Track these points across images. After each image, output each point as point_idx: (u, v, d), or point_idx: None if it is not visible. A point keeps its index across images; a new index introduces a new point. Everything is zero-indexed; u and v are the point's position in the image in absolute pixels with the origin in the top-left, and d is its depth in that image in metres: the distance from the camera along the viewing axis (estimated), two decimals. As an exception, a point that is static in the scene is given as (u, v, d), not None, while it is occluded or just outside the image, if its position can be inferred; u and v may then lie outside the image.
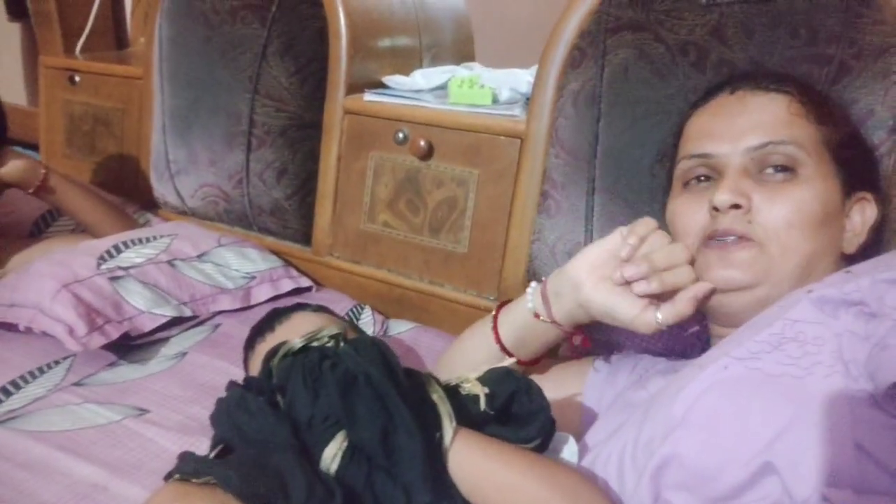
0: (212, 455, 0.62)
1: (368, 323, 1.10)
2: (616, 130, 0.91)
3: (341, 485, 0.55)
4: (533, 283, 0.75)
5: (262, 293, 1.14)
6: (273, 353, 0.67)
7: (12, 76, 2.14)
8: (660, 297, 0.65)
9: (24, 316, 0.96)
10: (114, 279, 1.02)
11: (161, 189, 1.38)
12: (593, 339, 0.83)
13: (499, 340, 0.76)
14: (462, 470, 0.58)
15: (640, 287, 0.64)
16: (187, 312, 1.06)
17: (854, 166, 0.68)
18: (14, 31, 2.10)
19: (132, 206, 1.38)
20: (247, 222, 1.30)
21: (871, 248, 0.69)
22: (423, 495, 0.55)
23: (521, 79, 1.13)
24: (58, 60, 1.56)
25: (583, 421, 0.75)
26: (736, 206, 0.64)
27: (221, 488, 0.54)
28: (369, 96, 1.15)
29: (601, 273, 0.68)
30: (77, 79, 1.52)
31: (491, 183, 1.06)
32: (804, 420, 0.51)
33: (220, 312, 1.10)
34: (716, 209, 0.65)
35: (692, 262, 0.66)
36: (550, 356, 0.84)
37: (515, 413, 0.63)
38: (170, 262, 1.09)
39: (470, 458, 0.58)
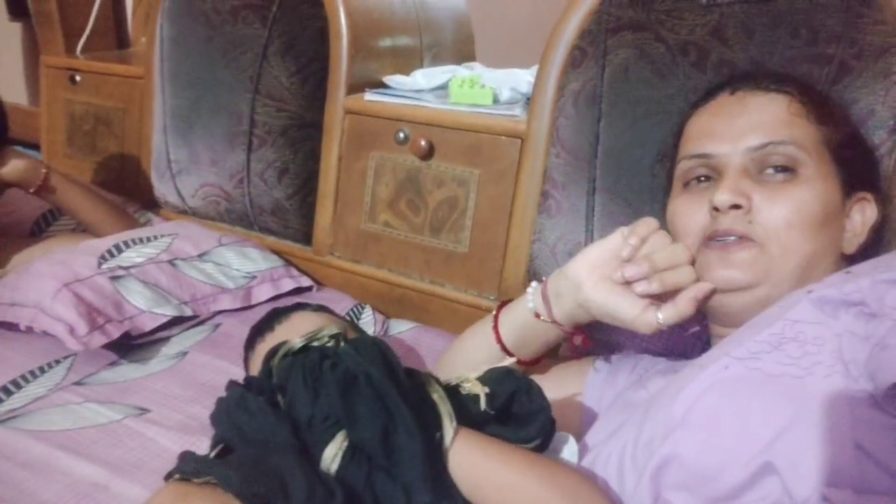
0: (212, 454, 0.62)
1: (369, 323, 1.10)
2: (617, 130, 0.91)
3: (341, 485, 0.55)
4: (533, 283, 0.75)
5: (262, 293, 1.14)
6: (273, 352, 0.67)
7: (13, 76, 2.14)
8: (660, 298, 0.65)
9: (24, 315, 0.96)
10: (114, 278, 1.02)
11: (162, 189, 1.38)
12: (594, 339, 0.83)
13: (499, 340, 0.76)
14: (462, 470, 0.58)
15: (641, 287, 0.64)
16: (188, 312, 1.06)
17: (854, 166, 0.68)
18: (15, 30, 2.10)
19: (133, 205, 1.38)
20: (248, 222, 1.31)
21: (872, 248, 0.69)
22: (424, 495, 0.55)
23: (522, 79, 1.13)
24: (59, 60, 1.56)
25: (583, 421, 0.75)
26: (736, 207, 0.64)
27: (222, 488, 0.54)
28: (370, 96, 1.15)
29: (602, 273, 0.68)
30: (78, 78, 1.52)
31: (491, 183, 1.06)
32: (804, 420, 0.51)
33: (220, 312, 1.10)
34: (716, 209, 0.65)
35: (693, 263, 0.66)
36: (551, 356, 0.84)
37: (516, 413, 0.63)
38: (171, 262, 1.10)
39: (470, 457, 0.58)
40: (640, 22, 0.89)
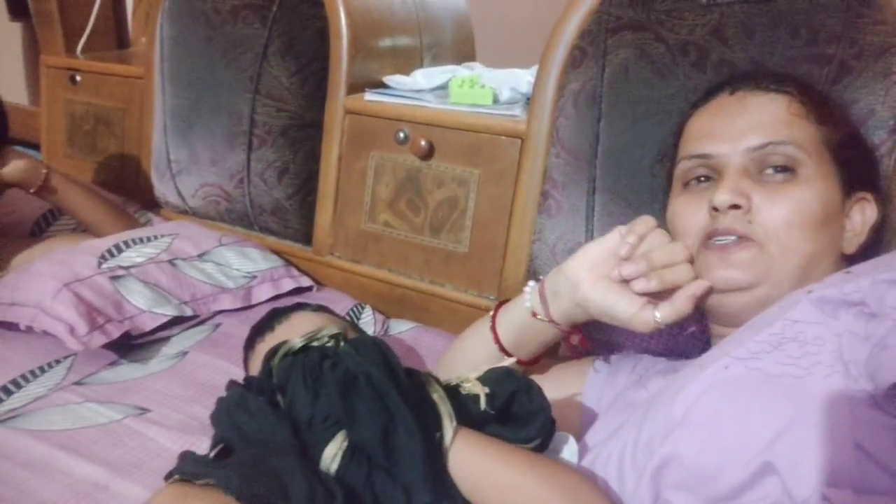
0: (212, 454, 0.62)
1: (369, 322, 1.10)
2: (617, 130, 0.91)
3: (341, 485, 0.55)
4: (531, 283, 0.75)
5: (262, 293, 1.14)
6: (273, 352, 0.67)
7: (13, 76, 2.14)
8: (658, 296, 0.65)
9: (25, 315, 0.96)
10: (115, 278, 1.02)
11: (162, 188, 1.38)
12: (592, 338, 0.83)
13: (497, 340, 0.76)
14: (462, 470, 0.58)
15: (640, 285, 0.64)
16: (188, 312, 1.06)
17: (854, 166, 0.68)
18: (15, 30, 2.10)
19: (133, 205, 1.38)
20: (248, 222, 1.31)
21: (872, 248, 0.69)
22: (423, 495, 0.55)
23: (522, 79, 1.13)
24: (59, 60, 1.56)
25: (583, 421, 0.75)
26: (736, 207, 0.64)
27: (222, 490, 0.54)
28: (370, 96, 1.16)
29: (600, 272, 0.68)
30: (78, 78, 1.52)
31: (491, 183, 1.06)
32: (804, 420, 0.51)
33: (220, 312, 1.10)
34: (715, 209, 0.65)
35: (691, 261, 0.66)
36: (550, 356, 0.84)
37: (515, 413, 0.63)
38: (171, 262, 1.10)
39: (470, 457, 0.58)
40: (640, 22, 0.89)
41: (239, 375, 0.75)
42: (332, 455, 0.57)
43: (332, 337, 0.69)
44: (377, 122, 1.14)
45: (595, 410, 0.76)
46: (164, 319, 1.03)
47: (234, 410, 0.61)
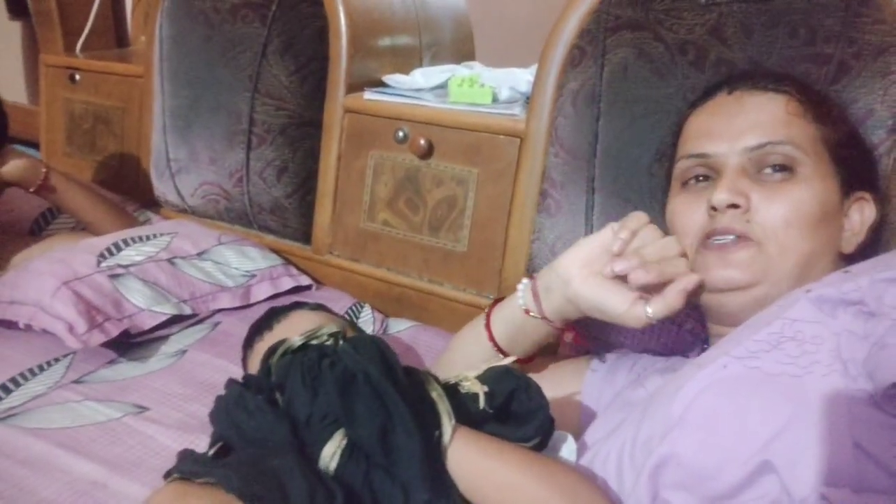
0: (210, 453, 0.62)
1: (368, 321, 1.10)
2: (615, 129, 0.91)
3: (340, 483, 0.55)
4: (524, 280, 0.75)
5: (261, 291, 1.14)
6: (272, 351, 0.67)
7: (13, 75, 2.14)
8: (650, 291, 0.65)
9: (24, 313, 0.96)
10: (114, 277, 1.02)
11: (161, 187, 1.38)
12: (590, 337, 0.83)
13: (492, 338, 0.75)
14: (461, 468, 0.58)
15: (638, 276, 0.63)
16: (187, 310, 1.06)
17: (853, 166, 0.68)
18: (15, 29, 2.10)
19: (132, 204, 1.38)
20: (247, 221, 1.31)
21: (870, 247, 0.69)
22: (422, 493, 0.55)
23: (521, 78, 1.13)
24: (58, 59, 1.56)
25: (581, 419, 0.75)
26: (734, 206, 0.64)
27: (222, 489, 0.54)
28: (369, 95, 1.16)
29: (592, 268, 0.68)
30: (77, 77, 1.52)
31: (490, 182, 1.06)
32: (803, 419, 0.51)
33: (219, 310, 1.10)
34: (714, 209, 0.65)
35: (684, 256, 0.66)
36: (549, 356, 0.84)
37: (514, 411, 0.63)
38: (170, 260, 1.10)
39: (469, 456, 0.58)
40: (638, 21, 0.90)
41: (238, 374, 0.75)
42: (330, 454, 0.57)
43: (331, 335, 0.69)
44: (376, 121, 1.14)
45: (594, 409, 0.76)
46: (164, 318, 1.03)
47: (232, 409, 0.61)
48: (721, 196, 0.64)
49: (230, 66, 1.25)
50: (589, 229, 0.94)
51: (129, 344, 1.00)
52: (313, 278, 1.22)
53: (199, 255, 1.14)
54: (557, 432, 0.65)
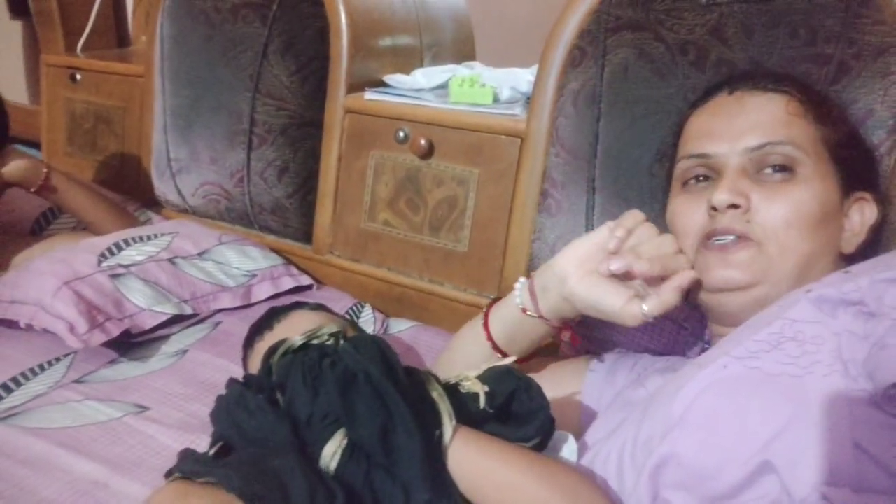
0: (211, 452, 0.62)
1: (369, 321, 1.10)
2: (616, 130, 0.92)
3: (340, 483, 0.55)
4: (522, 279, 0.75)
5: (262, 291, 1.15)
6: (273, 350, 0.67)
7: (14, 74, 2.14)
8: (652, 283, 0.65)
9: (25, 313, 0.96)
10: (115, 277, 1.03)
11: (162, 187, 1.38)
12: (589, 337, 0.83)
13: (490, 338, 0.75)
14: (461, 468, 0.58)
15: (640, 266, 0.63)
16: (188, 310, 1.06)
17: (853, 166, 0.68)
18: (16, 29, 2.10)
19: (133, 204, 1.38)
20: (248, 220, 1.31)
21: (871, 248, 0.69)
22: (422, 493, 0.55)
23: (522, 78, 1.13)
24: (59, 58, 1.56)
25: (582, 419, 0.75)
26: (734, 206, 0.64)
27: (223, 488, 0.54)
28: (370, 95, 1.16)
29: (588, 267, 0.68)
30: (78, 77, 1.52)
31: (491, 182, 1.06)
32: (803, 419, 0.51)
33: (220, 310, 1.10)
34: (714, 209, 0.65)
35: (680, 254, 0.66)
36: (550, 356, 0.84)
37: (515, 411, 0.63)
38: (171, 260, 1.10)
39: (469, 456, 0.58)
40: (639, 21, 0.90)
41: (239, 374, 0.75)
42: (331, 453, 0.57)
43: (331, 335, 0.69)
44: (377, 122, 1.14)
45: (594, 409, 0.76)
46: (164, 318, 1.03)
47: (233, 408, 0.61)
48: (721, 196, 0.64)
49: (231, 65, 1.25)
50: (590, 229, 0.94)
51: (130, 344, 1.00)
52: (314, 278, 1.22)
53: (200, 254, 1.14)
54: (558, 432, 0.65)
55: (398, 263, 1.16)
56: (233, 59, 1.25)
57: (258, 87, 1.23)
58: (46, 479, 0.73)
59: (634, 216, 0.68)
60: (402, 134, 1.11)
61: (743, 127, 0.67)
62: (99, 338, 0.94)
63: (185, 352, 1.00)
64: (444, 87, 1.17)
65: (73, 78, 1.53)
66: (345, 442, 0.57)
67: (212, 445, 0.63)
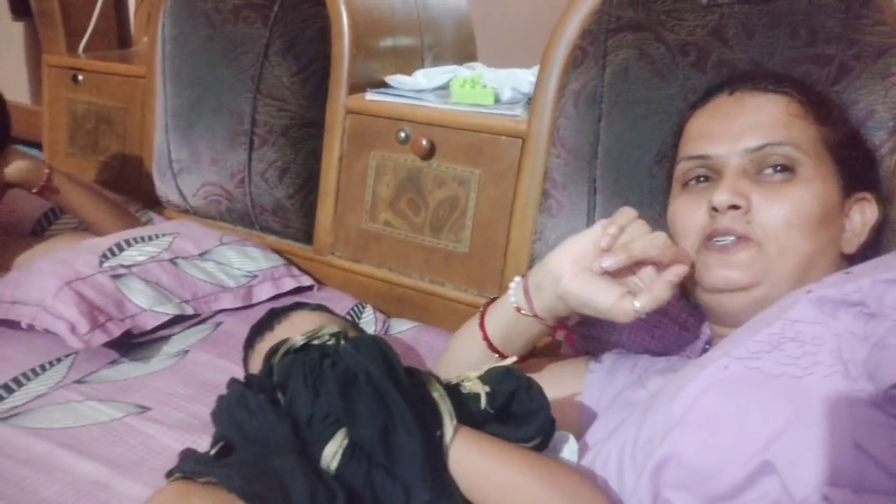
0: (212, 452, 0.62)
1: (370, 322, 1.10)
2: (617, 130, 0.92)
3: (341, 483, 0.56)
4: (516, 278, 0.74)
5: (263, 292, 1.15)
6: (274, 350, 0.67)
7: (16, 75, 2.14)
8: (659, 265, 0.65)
9: (26, 313, 0.96)
10: (116, 277, 1.03)
11: (163, 188, 1.38)
12: (585, 336, 0.83)
13: (486, 337, 0.75)
14: (462, 468, 0.58)
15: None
16: (189, 310, 1.06)
17: (854, 166, 0.68)
18: (17, 29, 2.11)
19: (134, 204, 1.38)
20: (249, 221, 1.31)
21: (872, 248, 0.69)
22: (423, 493, 0.55)
23: (523, 79, 1.13)
24: (61, 59, 1.57)
25: (582, 420, 0.75)
26: (735, 207, 0.64)
27: (224, 488, 0.54)
28: (371, 96, 1.16)
29: (581, 264, 0.67)
30: (80, 78, 1.52)
31: (492, 182, 1.06)
32: (803, 419, 0.51)
33: (221, 311, 1.10)
34: (714, 210, 0.65)
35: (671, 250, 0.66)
36: (549, 356, 0.84)
37: (515, 412, 0.63)
38: (172, 261, 1.10)
39: (470, 456, 0.58)
40: (640, 22, 0.90)
41: (239, 374, 0.75)
42: (331, 453, 0.57)
43: (332, 335, 0.69)
44: (378, 122, 1.14)
45: (594, 409, 0.76)
46: (165, 318, 1.03)
47: (234, 408, 0.61)
48: (721, 197, 0.64)
49: (232, 66, 1.25)
50: (590, 230, 0.94)
51: (131, 344, 1.00)
52: (315, 279, 1.22)
53: (201, 255, 1.14)
54: (559, 433, 0.65)
55: (399, 264, 1.16)
56: (234, 60, 1.25)
57: (259, 87, 1.23)
58: (48, 479, 0.73)
59: (627, 213, 0.68)
60: (403, 134, 1.11)
61: (743, 128, 0.67)
62: (100, 338, 0.94)
63: (186, 352, 1.00)
64: (445, 87, 1.17)
65: (74, 79, 1.53)
66: (345, 442, 0.57)
67: (213, 445, 0.63)
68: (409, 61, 1.28)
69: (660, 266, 0.65)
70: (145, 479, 0.74)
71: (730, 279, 0.64)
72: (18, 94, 2.04)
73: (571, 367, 0.81)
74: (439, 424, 0.58)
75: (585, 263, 0.67)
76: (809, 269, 0.64)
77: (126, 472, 0.75)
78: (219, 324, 1.08)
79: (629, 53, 0.90)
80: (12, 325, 0.99)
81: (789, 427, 0.51)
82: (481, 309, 0.78)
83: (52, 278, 0.98)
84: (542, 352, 0.82)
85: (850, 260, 0.66)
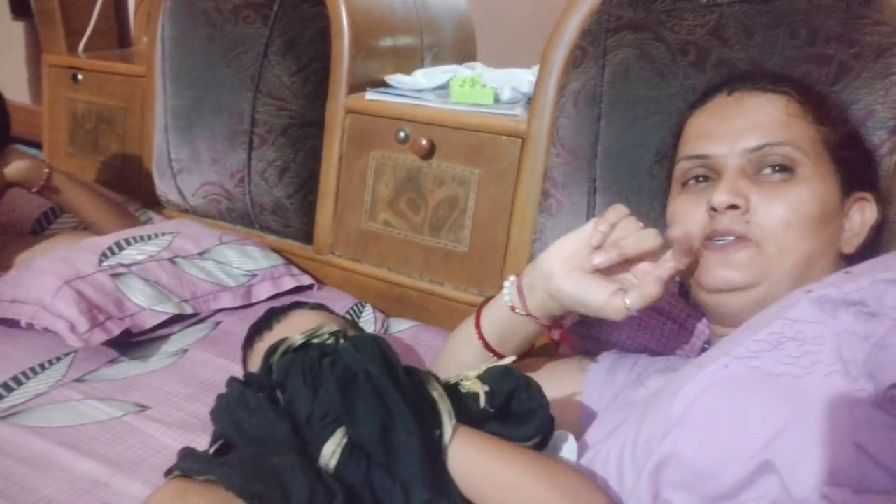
0: (211, 451, 0.62)
1: (369, 321, 1.10)
2: (616, 130, 0.92)
3: (340, 482, 0.56)
4: (511, 277, 0.74)
5: (263, 291, 1.15)
6: (273, 349, 0.67)
7: (16, 74, 2.14)
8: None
9: (26, 312, 0.96)
10: (115, 276, 1.03)
11: (163, 187, 1.38)
12: (585, 336, 0.83)
13: (482, 337, 0.75)
14: (461, 468, 0.58)
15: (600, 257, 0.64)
16: (188, 310, 1.06)
17: (853, 166, 0.68)
18: (18, 29, 2.11)
19: (134, 204, 1.38)
20: (248, 220, 1.31)
21: (871, 248, 0.69)
22: (422, 492, 0.55)
23: (523, 78, 1.13)
24: (61, 59, 1.57)
25: (582, 419, 0.75)
26: (734, 207, 0.64)
27: (222, 487, 0.54)
28: (371, 95, 1.16)
29: (573, 263, 0.67)
30: (80, 77, 1.52)
31: (492, 182, 1.06)
32: (803, 419, 0.51)
33: (221, 310, 1.10)
34: (714, 210, 0.65)
35: (663, 246, 0.66)
36: (549, 355, 0.84)
37: (515, 411, 0.63)
38: (171, 260, 1.10)
39: (469, 455, 0.58)
40: (640, 22, 0.90)
41: (239, 373, 0.75)
42: (330, 452, 0.57)
43: (331, 334, 0.69)
44: (378, 122, 1.14)
45: (594, 409, 0.76)
46: (165, 317, 1.03)
47: (233, 407, 0.61)
48: (721, 197, 0.64)
49: (232, 66, 1.25)
50: (590, 230, 0.94)
51: (131, 343, 1.00)
52: (315, 278, 1.22)
53: (201, 254, 1.14)
54: (558, 432, 0.65)
55: (399, 263, 1.16)
56: (234, 60, 1.25)
57: (259, 87, 1.23)
58: (47, 477, 0.73)
59: (617, 210, 0.68)
60: (402, 134, 1.11)
61: (742, 128, 0.67)
62: (99, 337, 0.94)
63: (185, 351, 1.00)
64: (445, 87, 1.17)
65: (74, 78, 1.53)
66: (344, 441, 0.57)
67: (212, 444, 0.63)
68: (409, 61, 1.28)
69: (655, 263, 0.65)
70: (144, 478, 0.74)
71: (729, 279, 0.64)
72: (18, 93, 2.05)
73: (571, 366, 0.81)
74: (438, 423, 0.58)
75: (577, 262, 0.67)
76: (809, 268, 0.64)
77: (125, 471, 0.75)
78: (218, 323, 1.08)
79: (629, 53, 0.90)
80: (12, 323, 0.99)
81: (789, 426, 0.51)
82: (477, 309, 0.78)
83: (51, 277, 0.98)
84: (540, 351, 0.82)
85: (850, 260, 0.66)
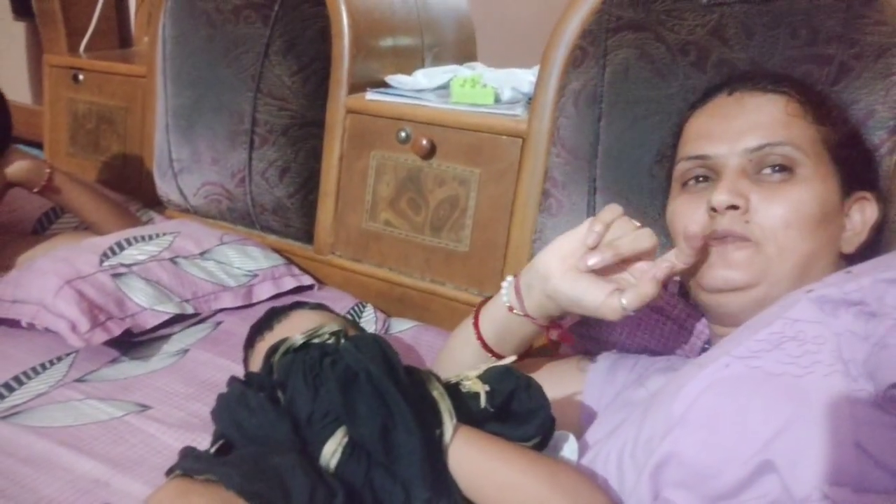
0: (212, 450, 0.62)
1: (370, 321, 1.10)
2: (617, 130, 0.92)
3: (340, 481, 0.56)
4: (509, 278, 0.74)
5: (263, 291, 1.15)
6: (274, 349, 0.67)
7: (17, 75, 2.14)
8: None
9: (27, 312, 0.96)
10: (116, 276, 1.03)
11: (164, 187, 1.39)
12: (585, 336, 0.83)
13: (480, 337, 0.75)
14: (462, 467, 0.58)
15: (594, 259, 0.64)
16: (189, 310, 1.06)
17: (853, 166, 0.68)
18: (19, 29, 2.11)
19: (135, 204, 1.38)
20: (249, 220, 1.31)
21: (871, 247, 0.69)
22: (422, 492, 0.55)
23: (523, 78, 1.13)
24: (62, 59, 1.57)
25: (582, 419, 0.75)
26: (733, 207, 0.64)
27: (223, 486, 0.54)
28: (371, 95, 1.16)
29: (569, 263, 0.67)
30: (81, 77, 1.53)
31: (492, 182, 1.06)
32: (804, 419, 0.51)
33: (222, 310, 1.10)
34: (713, 210, 0.65)
35: (656, 247, 0.66)
36: (549, 355, 0.84)
37: (515, 411, 0.63)
38: (172, 260, 1.10)
39: (470, 455, 0.58)
40: (640, 22, 0.90)
41: (240, 373, 0.75)
42: (331, 451, 0.57)
43: (332, 334, 0.69)
44: (378, 122, 1.14)
45: (595, 409, 0.76)
46: (166, 317, 1.03)
47: (234, 406, 0.61)
48: (720, 197, 0.64)
49: (233, 66, 1.26)
50: (590, 229, 0.94)
51: (132, 343, 1.00)
52: (315, 278, 1.22)
53: (202, 254, 1.14)
54: (559, 432, 0.65)
55: (399, 263, 1.16)
56: (234, 60, 1.25)
57: (260, 87, 1.23)
58: (48, 477, 0.74)
59: (612, 210, 0.67)
60: (403, 134, 1.11)
61: (742, 128, 0.67)
62: (100, 337, 0.94)
63: (186, 351, 1.00)
64: (445, 87, 1.17)
65: (75, 78, 1.53)
66: (345, 440, 0.57)
67: (213, 443, 0.63)
68: (409, 61, 1.28)
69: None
70: (145, 478, 0.74)
71: (729, 279, 0.64)
72: (19, 93, 2.05)
73: (571, 366, 0.81)
74: (439, 423, 0.58)
75: (573, 262, 0.67)
76: (809, 268, 0.64)
77: (126, 471, 0.75)
78: (219, 323, 1.08)
79: (629, 53, 0.90)
80: (13, 323, 0.99)
81: (790, 426, 0.51)
82: (475, 308, 0.78)
83: (52, 277, 0.98)
84: (539, 351, 0.82)
85: (850, 259, 0.66)
